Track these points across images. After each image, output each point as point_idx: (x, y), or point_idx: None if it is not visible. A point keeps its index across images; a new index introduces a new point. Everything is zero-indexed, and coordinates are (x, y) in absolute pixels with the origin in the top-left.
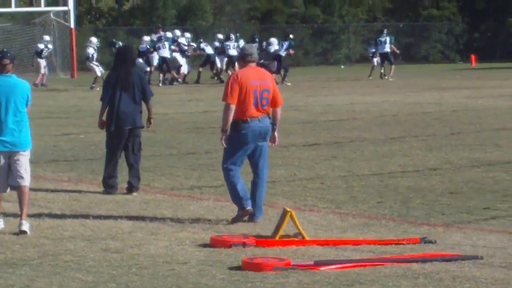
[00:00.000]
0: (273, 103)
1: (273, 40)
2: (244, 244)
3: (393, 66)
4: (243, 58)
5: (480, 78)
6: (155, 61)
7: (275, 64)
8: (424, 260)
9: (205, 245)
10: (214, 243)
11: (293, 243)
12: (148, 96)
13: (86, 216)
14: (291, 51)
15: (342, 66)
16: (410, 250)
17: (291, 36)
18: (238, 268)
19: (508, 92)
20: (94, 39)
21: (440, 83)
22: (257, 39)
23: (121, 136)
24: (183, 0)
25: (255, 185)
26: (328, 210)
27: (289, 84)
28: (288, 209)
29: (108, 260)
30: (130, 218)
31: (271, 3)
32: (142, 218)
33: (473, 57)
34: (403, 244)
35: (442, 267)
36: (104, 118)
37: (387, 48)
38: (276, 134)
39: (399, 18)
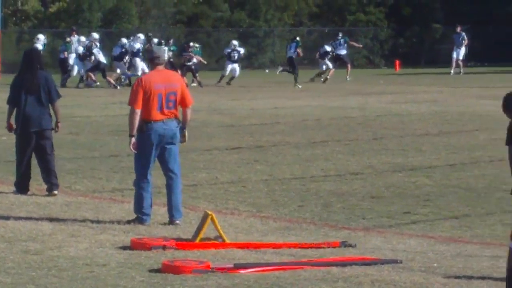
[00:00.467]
0: (182, 104)
1: (235, 43)
2: (164, 247)
3: (349, 65)
4: (152, 60)
5: (404, 83)
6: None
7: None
8: (343, 264)
9: (125, 248)
10: (134, 246)
11: (213, 246)
12: (53, 98)
13: (7, 218)
14: (299, 52)
15: (267, 70)
16: (330, 253)
17: (297, 38)
18: (157, 270)
19: (432, 97)
20: (41, 36)
21: (364, 88)
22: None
23: (28, 139)
24: (109, 3)
25: (169, 187)
26: (249, 213)
27: (300, 86)
28: (209, 212)
29: (27, 262)
30: (50, 220)
31: (197, 7)
32: (62, 220)
33: (397, 62)
34: (323, 247)
35: (361, 271)
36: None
37: (344, 50)
38: (186, 132)
39: (325, 23)
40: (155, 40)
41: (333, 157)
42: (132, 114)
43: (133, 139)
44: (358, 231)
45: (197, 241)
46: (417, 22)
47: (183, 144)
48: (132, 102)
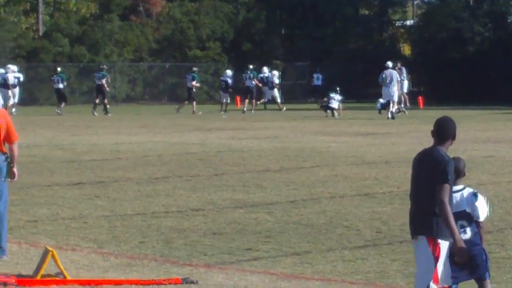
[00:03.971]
0: (7, 140)
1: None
2: (5, 284)
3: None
4: None
5: (245, 119)
6: None
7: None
8: None
9: None
10: None
11: (55, 282)
12: None
13: None
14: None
15: (108, 105)
16: None
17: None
18: None
19: (273, 133)
20: None
21: (205, 124)
22: None
23: None
24: None
25: None
26: (91, 249)
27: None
28: (50, 248)
29: None
30: None
31: (37, 41)
32: None
33: (238, 98)
34: (165, 284)
35: None
36: None
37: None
38: (15, 170)
39: (165, 58)
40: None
41: (175, 193)
42: None
43: None
44: (200, 267)
45: (38, 277)
46: (258, 58)
47: (22, 180)
48: None
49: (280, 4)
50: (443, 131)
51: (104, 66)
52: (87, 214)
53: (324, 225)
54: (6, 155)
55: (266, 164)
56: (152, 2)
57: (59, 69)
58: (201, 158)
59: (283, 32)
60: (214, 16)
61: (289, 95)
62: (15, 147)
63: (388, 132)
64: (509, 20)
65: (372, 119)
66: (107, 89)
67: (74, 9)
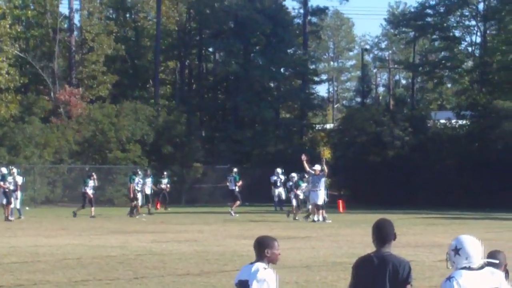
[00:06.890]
0: None
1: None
2: None
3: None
4: None
5: (165, 222)
6: None
7: None
8: None
9: None
10: None
11: None
12: None
13: None
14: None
15: (28, 208)
16: None
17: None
18: None
19: (193, 237)
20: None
21: (125, 227)
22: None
23: None
24: None
25: None
26: None
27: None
28: None
29: None
30: None
31: None
32: None
33: (156, 201)
34: None
35: None
36: None
37: (232, 186)
38: None
39: (86, 160)
40: None
41: None
42: None
43: None
44: None
45: None
46: (178, 161)
47: None
48: None
49: (200, 106)
50: (386, 234)
51: (139, 171)
52: None
53: None
54: None
55: (187, 268)
56: (72, 104)
57: (235, 169)
58: (121, 261)
59: (203, 134)
60: (134, 118)
61: (209, 198)
62: None
63: (309, 236)
64: (428, 125)
65: (293, 223)
66: (131, 193)
67: None
